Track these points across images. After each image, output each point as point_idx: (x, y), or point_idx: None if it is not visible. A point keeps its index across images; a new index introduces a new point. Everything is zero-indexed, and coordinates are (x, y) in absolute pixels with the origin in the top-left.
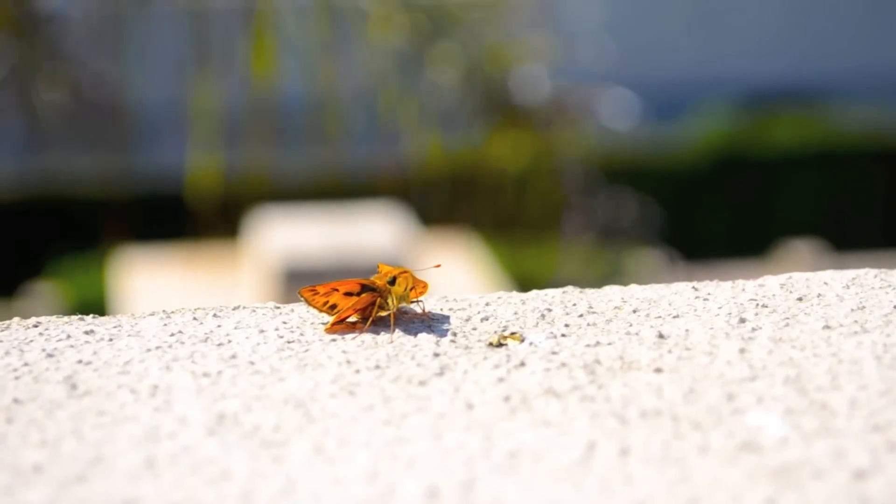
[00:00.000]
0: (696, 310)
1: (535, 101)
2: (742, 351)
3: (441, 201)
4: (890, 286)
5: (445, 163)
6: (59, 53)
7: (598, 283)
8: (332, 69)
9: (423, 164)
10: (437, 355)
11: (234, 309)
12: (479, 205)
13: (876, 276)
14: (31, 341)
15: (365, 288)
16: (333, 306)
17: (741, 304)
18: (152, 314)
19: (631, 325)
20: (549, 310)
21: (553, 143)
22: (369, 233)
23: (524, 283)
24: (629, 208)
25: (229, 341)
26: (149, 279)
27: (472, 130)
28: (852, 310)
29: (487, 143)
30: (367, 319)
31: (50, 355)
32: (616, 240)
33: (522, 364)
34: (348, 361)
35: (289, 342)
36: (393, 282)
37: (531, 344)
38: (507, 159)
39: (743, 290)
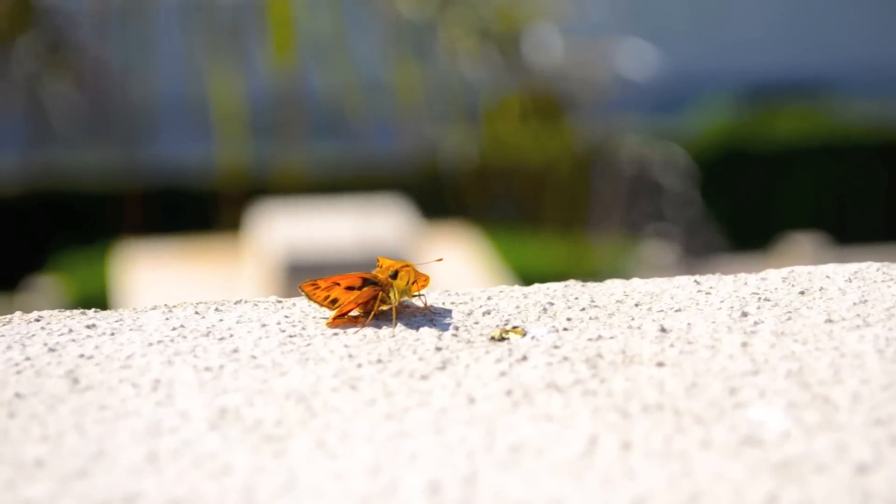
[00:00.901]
0: (698, 303)
1: (549, 61)
2: (744, 345)
3: (452, 191)
4: (892, 280)
5: (463, 150)
6: (65, 46)
7: (607, 276)
8: (345, 55)
9: (441, 151)
10: (438, 349)
11: (236, 303)
12: (496, 195)
13: (878, 270)
14: (33, 335)
15: (366, 282)
16: (335, 300)
17: (743, 297)
18: (154, 308)
19: (633, 319)
20: (552, 303)
21: (571, 103)
22: (372, 227)
23: (528, 277)
24: (656, 158)
25: (231, 335)
26: (151, 273)
27: (487, 101)
28: (854, 303)
29: (503, 114)
30: (368, 313)
31: (52, 349)
32: (645, 192)
33: (524, 358)
34: (350, 356)
35: (291, 336)
36: (395, 276)
37: (533, 338)
38: (528, 148)
39: (745, 283)
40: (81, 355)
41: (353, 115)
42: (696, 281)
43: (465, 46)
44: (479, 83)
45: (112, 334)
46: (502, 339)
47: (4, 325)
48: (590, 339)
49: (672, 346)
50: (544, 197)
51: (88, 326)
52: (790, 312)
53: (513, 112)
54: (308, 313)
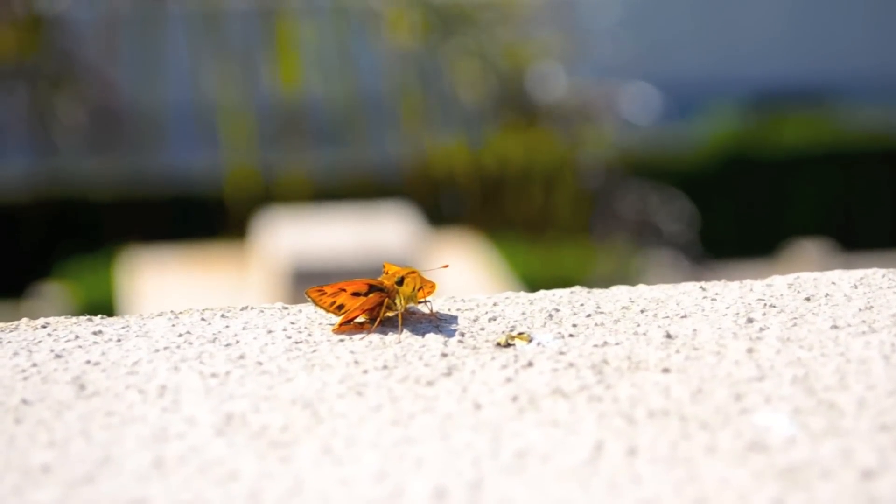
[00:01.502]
0: (703, 310)
1: (552, 99)
2: (750, 351)
3: (456, 202)
4: None
5: (462, 162)
6: (73, 56)
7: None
8: (350, 71)
9: (439, 163)
10: (444, 355)
11: (242, 309)
12: (496, 205)
13: (884, 276)
14: (40, 342)
15: (372, 288)
16: (341, 307)
17: (749, 304)
18: (160, 315)
19: (639, 325)
20: (557, 310)
21: (572, 142)
22: (378, 233)
23: (535, 284)
24: (656, 203)
25: (237, 342)
26: (157, 280)
27: (488, 129)
28: (860, 309)
29: (504, 143)
30: (374, 320)
31: (58, 356)
32: (647, 236)
33: (530, 364)
34: (356, 362)
35: (297, 343)
36: (401, 282)
37: (539, 344)
38: (526, 159)
39: (751, 290)
40: (88, 361)
41: (355, 124)
42: (701, 287)
43: (467, 77)
44: (481, 112)
45: (118, 340)
46: (508, 345)
47: (11, 331)
48: (595, 346)
49: (678, 352)
50: (545, 217)
51: (95, 333)
52: (796, 318)
53: (514, 129)
54: (314, 319)
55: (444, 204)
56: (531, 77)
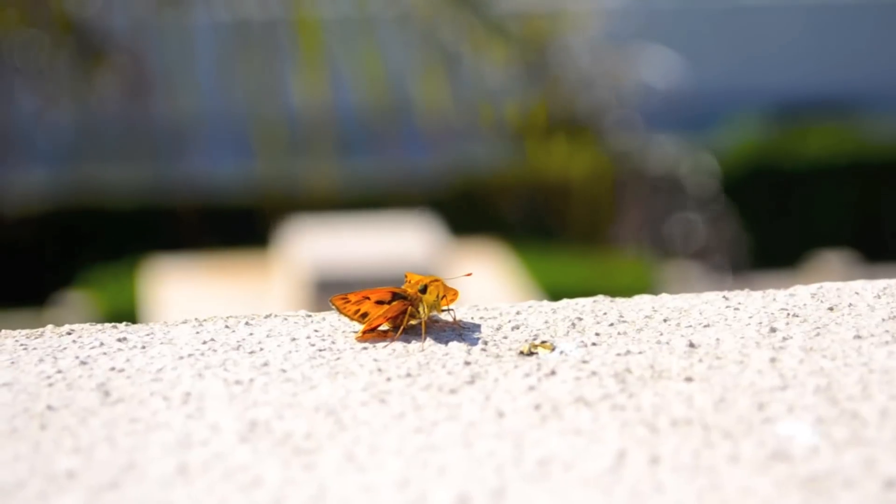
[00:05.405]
0: (726, 319)
1: (576, 71)
2: (773, 360)
3: (480, 206)
4: None
5: (490, 165)
6: (101, 62)
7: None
8: (377, 78)
9: (468, 166)
10: (467, 364)
11: (266, 317)
12: (522, 210)
13: None
14: (65, 349)
15: (396, 296)
16: (365, 314)
17: (772, 313)
18: (185, 322)
19: (661, 335)
20: (580, 319)
21: (600, 140)
22: (400, 242)
23: (558, 293)
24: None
25: (261, 349)
26: (180, 288)
27: (514, 117)
28: (883, 319)
29: (531, 150)
30: (398, 328)
31: (83, 363)
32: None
33: (553, 373)
34: (379, 369)
35: (320, 350)
36: (424, 290)
37: (562, 352)
38: (555, 162)
39: (774, 299)
40: (112, 368)
41: (382, 131)
42: (724, 297)
43: (493, 58)
44: (507, 94)
45: (143, 347)
46: (531, 353)
47: (36, 338)
48: (618, 354)
49: (701, 361)
50: (570, 210)
51: (119, 340)
52: (819, 328)
53: (540, 126)
54: (337, 327)
55: (457, 212)
56: (554, 50)
